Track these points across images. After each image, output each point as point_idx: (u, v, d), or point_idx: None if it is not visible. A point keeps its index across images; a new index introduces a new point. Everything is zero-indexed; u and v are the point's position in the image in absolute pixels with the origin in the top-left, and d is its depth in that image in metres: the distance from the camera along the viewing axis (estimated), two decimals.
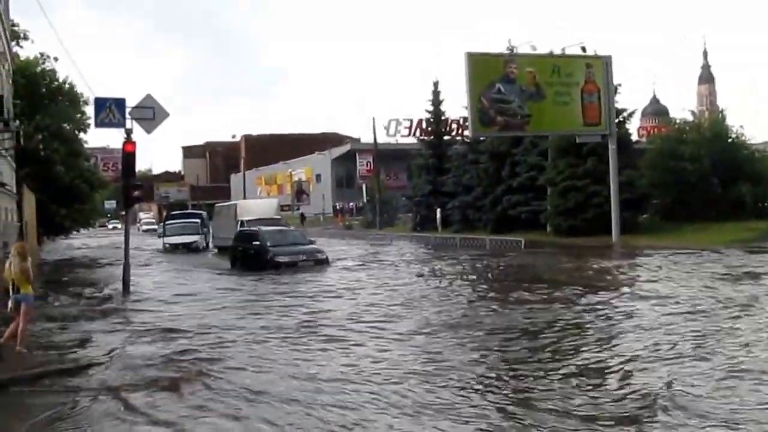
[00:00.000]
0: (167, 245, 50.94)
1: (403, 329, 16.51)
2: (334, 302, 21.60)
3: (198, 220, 55.95)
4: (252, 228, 37.89)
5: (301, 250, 32.90)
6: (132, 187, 24.36)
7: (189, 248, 49.79)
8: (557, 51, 44.98)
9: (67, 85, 42.20)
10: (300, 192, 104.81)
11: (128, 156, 23.58)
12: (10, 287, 15.05)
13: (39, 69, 40.92)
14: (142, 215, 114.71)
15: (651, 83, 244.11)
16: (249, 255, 33.69)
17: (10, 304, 15.09)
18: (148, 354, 14.67)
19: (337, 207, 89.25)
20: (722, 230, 39.52)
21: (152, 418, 10.28)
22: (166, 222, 57.21)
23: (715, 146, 45.61)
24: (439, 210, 59.84)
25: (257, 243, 33.28)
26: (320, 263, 32.22)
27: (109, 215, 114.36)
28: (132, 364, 13.68)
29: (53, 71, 41.43)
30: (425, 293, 22.94)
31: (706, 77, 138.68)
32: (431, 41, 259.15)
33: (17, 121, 27.85)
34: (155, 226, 79.52)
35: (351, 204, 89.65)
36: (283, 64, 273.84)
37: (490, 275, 30.08)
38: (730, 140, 47.29)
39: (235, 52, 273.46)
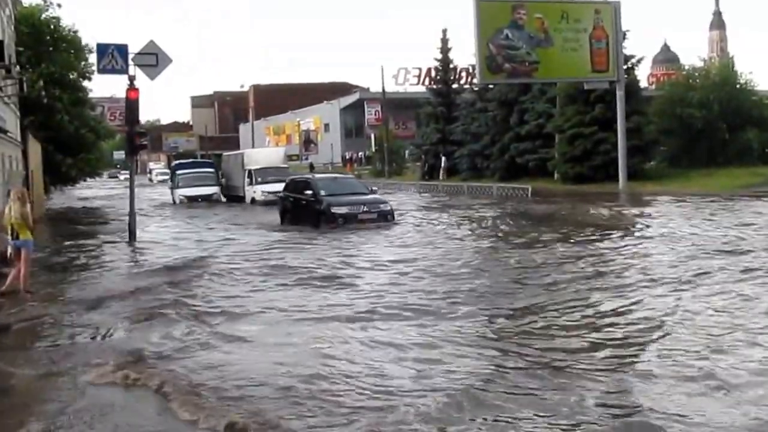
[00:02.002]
0: (182, 198, 45.56)
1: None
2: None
3: (213, 169, 50.86)
4: (304, 175, 33.56)
5: (360, 201, 27.52)
6: (136, 134, 24.21)
7: (209, 201, 45.11)
8: None
9: (71, 33, 41.87)
10: (308, 141, 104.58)
11: (131, 103, 23.45)
12: (9, 233, 15.11)
13: (43, 16, 40.58)
14: (152, 165, 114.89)
15: (662, 31, 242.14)
16: (300, 206, 28.67)
17: (9, 249, 15.22)
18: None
19: (346, 156, 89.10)
20: (729, 176, 39.54)
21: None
22: (178, 171, 49.40)
23: (723, 92, 45.44)
24: (444, 158, 59.76)
25: (309, 192, 27.99)
26: (384, 217, 27.08)
27: (118, 165, 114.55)
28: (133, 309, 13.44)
29: (57, 18, 41.12)
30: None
31: (717, 23, 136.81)
32: None
33: (17, 66, 27.70)
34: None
35: (360, 153, 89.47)
36: (294, 14, 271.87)
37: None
38: (738, 86, 47.05)
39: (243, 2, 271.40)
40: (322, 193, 27.69)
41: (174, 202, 46.36)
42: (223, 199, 47.37)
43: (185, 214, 37.97)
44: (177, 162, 57.24)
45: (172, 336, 11.16)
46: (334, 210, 26.57)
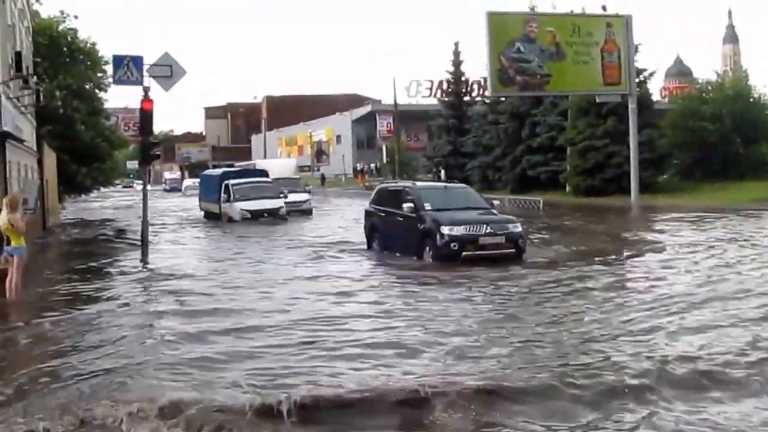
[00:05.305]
0: (245, 213, 36.19)
1: None
2: None
3: (270, 179, 41.02)
4: (399, 183, 26.90)
5: (481, 219, 19.55)
6: (150, 144, 24.30)
7: (275, 216, 36.24)
8: (577, 10, 45.02)
9: (88, 45, 42.27)
10: (320, 153, 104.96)
11: (146, 113, 23.47)
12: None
13: (61, 28, 40.98)
14: (167, 175, 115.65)
15: (675, 44, 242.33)
16: (395, 225, 21.39)
17: (2, 256, 15.02)
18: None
19: (357, 168, 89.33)
20: (742, 189, 39.52)
21: None
22: (229, 181, 38.51)
23: (737, 106, 45.44)
24: (443, 171, 59.84)
25: (408, 205, 20.28)
26: (514, 243, 19.35)
27: (131, 175, 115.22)
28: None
29: (74, 30, 41.52)
30: None
31: (731, 37, 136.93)
32: (453, 2, 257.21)
33: (35, 77, 27.97)
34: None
35: (371, 165, 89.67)
36: (306, 25, 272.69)
37: None
38: (752, 100, 47.06)
39: (258, 14, 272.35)
40: (427, 206, 20.14)
41: (227, 219, 37.21)
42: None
43: (221, 230, 33.99)
44: (223, 170, 45.89)
45: None
46: (446, 231, 18.94)
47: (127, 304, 14.50)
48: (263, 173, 42.53)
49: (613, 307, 13.11)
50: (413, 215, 20.04)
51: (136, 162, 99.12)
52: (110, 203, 62.76)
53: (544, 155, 51.48)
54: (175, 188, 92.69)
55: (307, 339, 10.95)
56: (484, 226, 19.11)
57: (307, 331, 11.50)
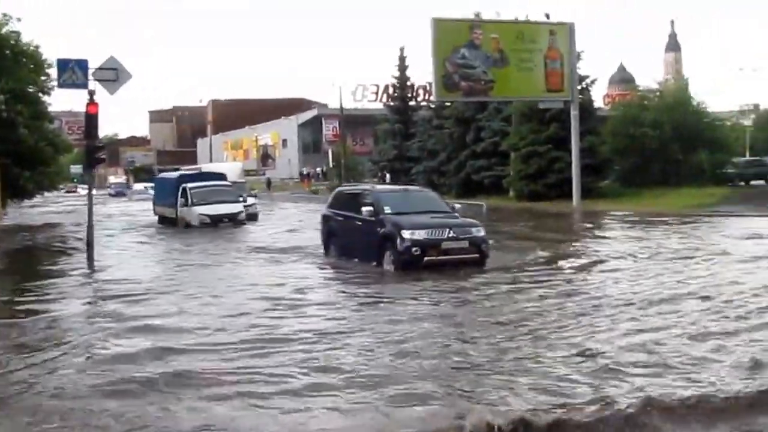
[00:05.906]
0: (204, 218, 34.69)
1: None
2: None
3: (228, 182, 40.33)
4: (358, 186, 26.03)
5: (444, 223, 18.78)
6: (95, 148, 24.18)
7: (235, 221, 35.05)
8: (522, 18, 45.71)
9: (31, 48, 41.82)
10: (265, 156, 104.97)
11: (91, 117, 23.37)
12: None
13: (4, 31, 40.49)
14: (112, 179, 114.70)
15: (620, 51, 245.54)
16: (353, 230, 20.36)
17: None
18: None
19: (303, 172, 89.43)
20: (681, 196, 40.35)
21: None
22: (186, 185, 36.68)
23: (677, 113, 46.38)
24: (389, 175, 60.21)
25: (368, 209, 19.36)
26: (477, 247, 18.42)
27: (75, 179, 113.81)
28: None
29: (17, 33, 41.06)
30: None
31: (673, 45, 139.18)
32: (398, 7, 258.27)
33: None
34: (151, 192, 49.48)
35: (317, 169, 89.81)
36: (252, 29, 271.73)
37: None
38: (691, 108, 48.00)
39: (201, 16, 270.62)
40: (387, 210, 19.13)
41: (184, 224, 35.46)
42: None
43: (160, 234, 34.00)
44: (180, 173, 43.92)
45: None
46: (407, 235, 17.97)
47: (67, 315, 13.65)
48: (221, 176, 40.95)
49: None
50: (372, 219, 19.09)
51: (80, 166, 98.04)
52: (54, 208, 61.94)
53: (488, 160, 52.10)
54: (120, 193, 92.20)
55: (247, 365, 9.67)
56: (447, 230, 18.31)
57: (249, 354, 10.26)
